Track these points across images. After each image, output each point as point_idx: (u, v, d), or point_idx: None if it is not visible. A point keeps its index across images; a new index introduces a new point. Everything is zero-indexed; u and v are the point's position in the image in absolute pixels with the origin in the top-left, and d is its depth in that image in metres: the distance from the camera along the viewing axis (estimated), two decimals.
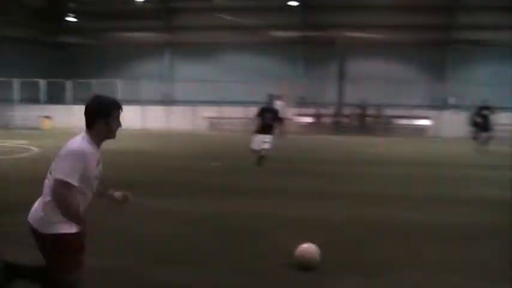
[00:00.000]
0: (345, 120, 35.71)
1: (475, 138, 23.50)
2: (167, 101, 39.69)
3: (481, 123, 22.85)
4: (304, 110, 35.32)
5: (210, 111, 36.19)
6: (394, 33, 36.57)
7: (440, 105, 36.05)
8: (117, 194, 4.54)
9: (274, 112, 15.11)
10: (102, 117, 4.14)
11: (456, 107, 34.30)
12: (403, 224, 8.69)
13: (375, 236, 7.97)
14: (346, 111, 36.01)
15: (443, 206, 10.22)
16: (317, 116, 35.69)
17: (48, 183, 4.11)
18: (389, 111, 34.91)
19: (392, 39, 36.89)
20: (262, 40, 39.28)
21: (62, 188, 3.95)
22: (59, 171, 3.98)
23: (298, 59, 39.94)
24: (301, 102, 35.92)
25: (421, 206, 10.26)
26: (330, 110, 35.89)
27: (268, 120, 14.74)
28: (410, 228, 8.41)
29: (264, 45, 39.56)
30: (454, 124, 32.26)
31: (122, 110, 4.27)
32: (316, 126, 34.82)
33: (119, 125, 4.26)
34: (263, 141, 14.71)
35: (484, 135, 22.62)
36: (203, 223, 8.60)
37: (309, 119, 35.63)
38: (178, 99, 39.85)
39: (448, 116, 34.18)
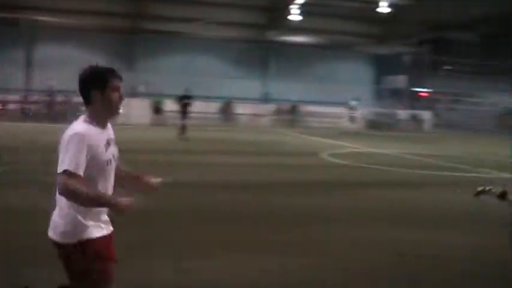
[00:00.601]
0: (32, 107, 34.49)
1: (160, 123, 24.69)
2: None
3: (183, 111, 24.07)
4: None
5: None
6: (85, 19, 36.37)
7: (131, 93, 36.90)
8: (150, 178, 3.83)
9: None
10: (97, 88, 3.47)
11: (145, 95, 35.53)
12: None
13: None
14: (35, 97, 34.82)
15: None
16: (3, 102, 33.85)
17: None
18: (77, 99, 34.64)
19: (83, 26, 36.64)
20: None
21: (64, 179, 3.21)
22: (60, 164, 3.25)
23: None
24: None
25: None
26: (17, 97, 34.41)
27: None
28: None
29: None
30: (144, 111, 33.42)
31: (121, 79, 3.57)
32: (3, 113, 33.01)
33: (121, 97, 3.55)
34: None
35: (183, 122, 23.86)
36: None
37: None
38: None
39: (137, 103, 35.20)
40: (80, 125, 3.43)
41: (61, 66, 33.99)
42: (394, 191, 12.23)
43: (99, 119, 3.52)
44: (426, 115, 41.71)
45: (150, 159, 15.75)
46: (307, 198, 10.70)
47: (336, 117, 36.70)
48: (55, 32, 36.71)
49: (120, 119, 25.16)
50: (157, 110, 32.72)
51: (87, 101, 3.52)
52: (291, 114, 39.19)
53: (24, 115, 32.91)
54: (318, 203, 10.34)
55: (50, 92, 34.01)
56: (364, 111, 39.61)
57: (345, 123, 35.48)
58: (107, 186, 3.56)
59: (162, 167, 14.27)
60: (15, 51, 36.34)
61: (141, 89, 36.77)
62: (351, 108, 35.24)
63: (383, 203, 10.73)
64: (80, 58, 36.54)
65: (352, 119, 35.08)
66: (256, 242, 7.33)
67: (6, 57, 36.39)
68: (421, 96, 43.82)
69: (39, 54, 36.20)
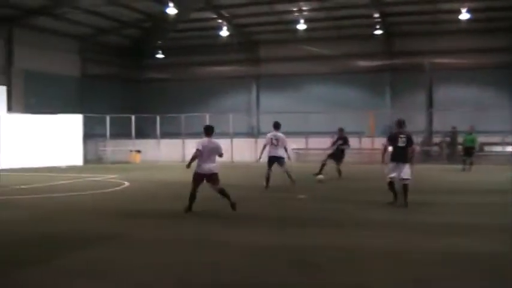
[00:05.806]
0: (434, 148, 34.58)
1: None
2: (253, 133, 39.78)
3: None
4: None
5: (295, 143, 34.54)
6: (476, 57, 35.55)
7: None
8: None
9: None
10: None
11: None
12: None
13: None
14: (435, 139, 34.87)
15: None
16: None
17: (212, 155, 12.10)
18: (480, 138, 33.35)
19: (476, 64, 35.77)
20: (347, 70, 38.95)
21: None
22: None
23: (383, 88, 39.26)
24: (388, 132, 35.22)
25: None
26: (419, 139, 34.82)
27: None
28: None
29: (348, 75, 39.13)
30: None
31: None
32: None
33: None
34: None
35: None
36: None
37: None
38: (264, 130, 39.36)
39: None
40: None
41: (459, 106, 33.54)
42: None
43: None
44: None
45: None
46: None
47: None
48: (452, 73, 36.60)
49: None
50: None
51: None
52: None
53: (426, 156, 33.13)
54: None
55: (452, 133, 33.52)
56: None
57: None
58: None
59: None
60: (418, 94, 37.08)
61: None
62: None
63: None
64: (476, 96, 35.84)
65: None
66: None
67: (408, 101, 37.41)
68: None
69: (439, 96, 36.32)
